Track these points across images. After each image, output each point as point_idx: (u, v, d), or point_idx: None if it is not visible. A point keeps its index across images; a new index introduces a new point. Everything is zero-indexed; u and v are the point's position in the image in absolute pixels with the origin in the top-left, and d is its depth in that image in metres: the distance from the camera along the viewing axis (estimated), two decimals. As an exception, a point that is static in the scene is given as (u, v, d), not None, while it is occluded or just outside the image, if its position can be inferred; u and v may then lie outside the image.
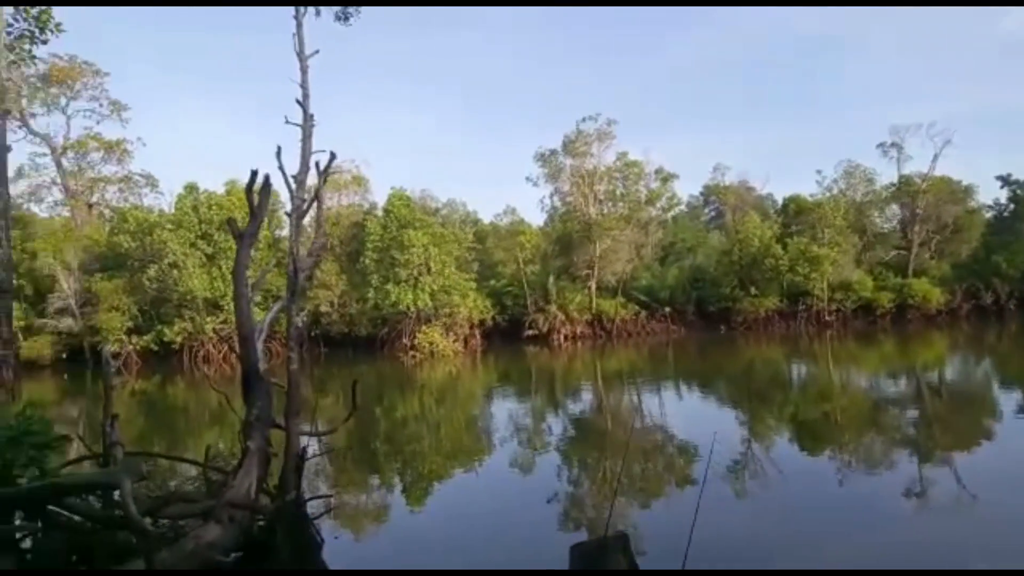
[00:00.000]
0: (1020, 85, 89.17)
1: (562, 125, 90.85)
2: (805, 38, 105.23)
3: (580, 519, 10.40)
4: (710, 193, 65.21)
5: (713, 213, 70.05)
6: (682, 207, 59.36)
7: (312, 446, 15.45)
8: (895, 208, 54.06)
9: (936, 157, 50.06)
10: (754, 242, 46.95)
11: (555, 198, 50.33)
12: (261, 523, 7.23)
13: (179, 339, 40.88)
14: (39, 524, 5.99)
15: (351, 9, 11.72)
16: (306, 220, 12.83)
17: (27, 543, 6.16)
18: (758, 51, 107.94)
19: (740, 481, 12.02)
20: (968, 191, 52.57)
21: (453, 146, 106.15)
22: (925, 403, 19.73)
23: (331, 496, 10.99)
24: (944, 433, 15.51)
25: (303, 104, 9.91)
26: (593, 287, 45.83)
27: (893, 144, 51.90)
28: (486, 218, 57.43)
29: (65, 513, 6.20)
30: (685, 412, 20.25)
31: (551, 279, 45.47)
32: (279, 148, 9.42)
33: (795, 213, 50.45)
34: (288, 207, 10.10)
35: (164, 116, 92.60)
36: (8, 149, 10.69)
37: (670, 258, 56.97)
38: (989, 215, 55.84)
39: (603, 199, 48.81)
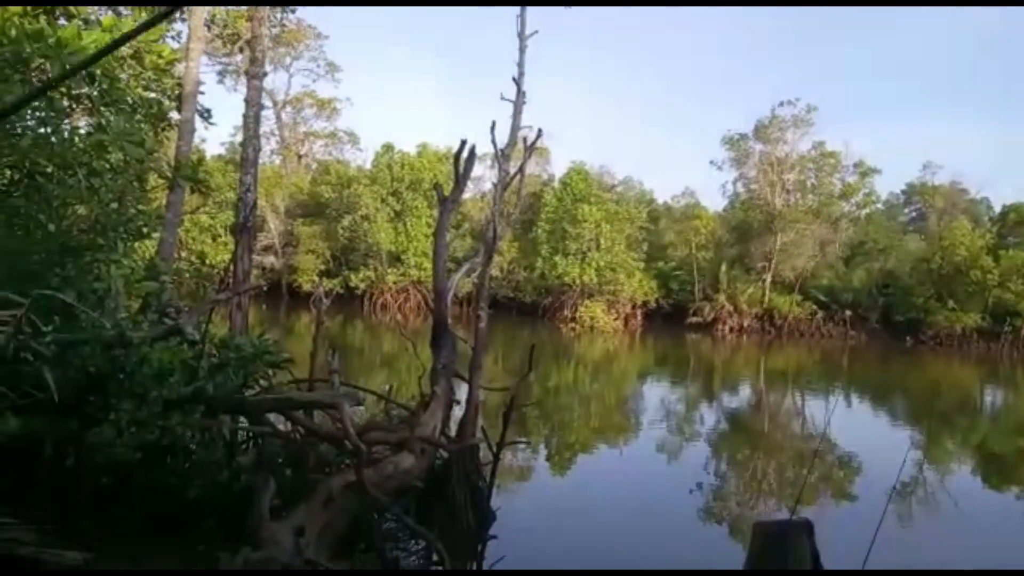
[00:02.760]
0: None
1: (753, 108, 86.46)
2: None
3: (720, 513, 10.28)
4: (913, 192, 59.36)
5: (914, 214, 63.73)
6: (878, 205, 54.58)
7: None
8: None
9: None
10: (960, 250, 42.25)
11: (738, 184, 48.29)
12: (439, 462, 7.95)
13: (362, 285, 44.38)
14: (267, 429, 7.05)
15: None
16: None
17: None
18: (991, 36, 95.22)
19: (906, 505, 11.23)
20: None
21: (634, 123, 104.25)
22: None
23: (527, 442, 11.93)
24: None
25: (518, 82, 10.42)
26: (768, 280, 43.69)
27: None
28: (661, 198, 56.40)
29: (270, 425, 7.21)
30: (856, 425, 19.01)
31: (723, 267, 43.88)
32: (493, 123, 10.05)
33: (1015, 223, 44.86)
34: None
35: (369, 78, 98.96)
36: (262, 107, 12.31)
37: (857, 258, 52.75)
38: None
39: (791, 189, 46.11)
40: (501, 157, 10.17)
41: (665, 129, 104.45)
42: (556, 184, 45.15)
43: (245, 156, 13.45)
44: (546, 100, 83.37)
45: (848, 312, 43.43)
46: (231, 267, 13.61)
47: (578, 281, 40.11)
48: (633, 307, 42.65)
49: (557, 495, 10.63)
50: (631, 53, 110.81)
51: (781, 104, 44.56)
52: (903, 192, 62.06)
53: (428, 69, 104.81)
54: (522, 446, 13.84)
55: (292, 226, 46.13)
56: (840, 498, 11.36)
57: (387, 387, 10.88)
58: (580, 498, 10.36)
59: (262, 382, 7.44)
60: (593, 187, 43.17)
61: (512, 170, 11.33)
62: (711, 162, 47.90)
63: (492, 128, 9.92)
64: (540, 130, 10.64)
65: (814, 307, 43.55)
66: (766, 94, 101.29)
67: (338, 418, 6.41)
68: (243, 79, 15.95)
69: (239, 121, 14.59)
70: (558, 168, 49.30)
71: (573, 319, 40.06)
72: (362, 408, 12.60)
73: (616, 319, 40.66)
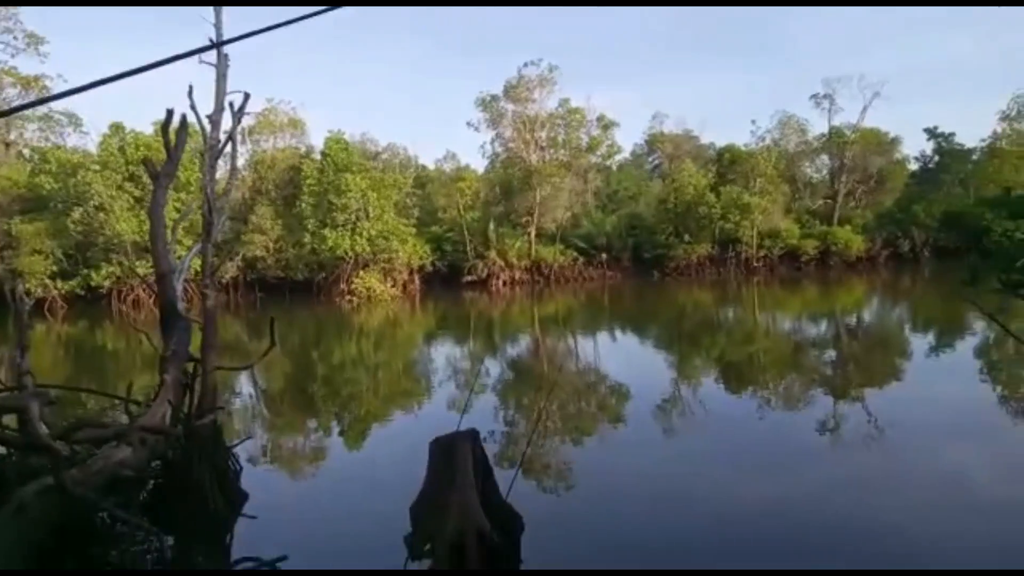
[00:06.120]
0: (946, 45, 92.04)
1: (505, 71, 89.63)
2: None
3: (513, 456, 10.82)
4: (653, 142, 65.82)
5: (656, 162, 70.84)
6: (625, 155, 59.92)
7: (247, 389, 15.51)
8: (825, 159, 55.83)
9: (865, 109, 51.76)
10: (689, 190, 47.88)
11: (496, 144, 50.08)
12: (177, 449, 7.51)
13: (107, 283, 39.64)
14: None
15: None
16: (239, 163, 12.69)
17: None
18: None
19: (667, 419, 12.67)
20: (894, 143, 54.58)
21: (395, 89, 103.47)
22: (842, 345, 20.93)
23: (221, 408, 11.19)
24: (859, 373, 16.55)
25: (217, 44, 9.66)
26: (533, 233, 46.16)
27: (826, 96, 53.24)
28: (427, 163, 56.83)
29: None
30: (617, 354, 20.97)
31: (491, 225, 45.56)
32: (191, 87, 9.30)
33: (730, 162, 51.56)
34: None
35: (86, 52, 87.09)
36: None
37: (612, 206, 57.68)
38: (915, 166, 58.17)
39: (544, 146, 48.76)
40: (208, 123, 9.53)
41: (426, 95, 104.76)
42: (316, 155, 43.47)
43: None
44: (302, 70, 79.67)
45: (604, 255, 47.44)
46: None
47: (351, 252, 39.28)
48: (410, 273, 42.83)
49: (348, 471, 10.48)
50: (387, 19, 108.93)
51: (526, 65, 46.71)
52: (646, 142, 68.41)
53: (147, 35, 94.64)
54: (312, 426, 13.49)
55: (10, 225, 39.63)
56: (613, 423, 12.53)
57: (129, 384, 9.93)
58: (370, 470, 10.32)
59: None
60: (355, 156, 42.19)
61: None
62: (468, 124, 49.17)
63: (190, 93, 9.21)
64: (247, 94, 9.99)
65: (575, 254, 46.94)
66: (517, 61, 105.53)
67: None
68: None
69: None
70: (317, 139, 47.55)
71: (350, 292, 39.29)
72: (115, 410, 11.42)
73: (394, 287, 40.59)
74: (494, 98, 47.74)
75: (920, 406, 12.50)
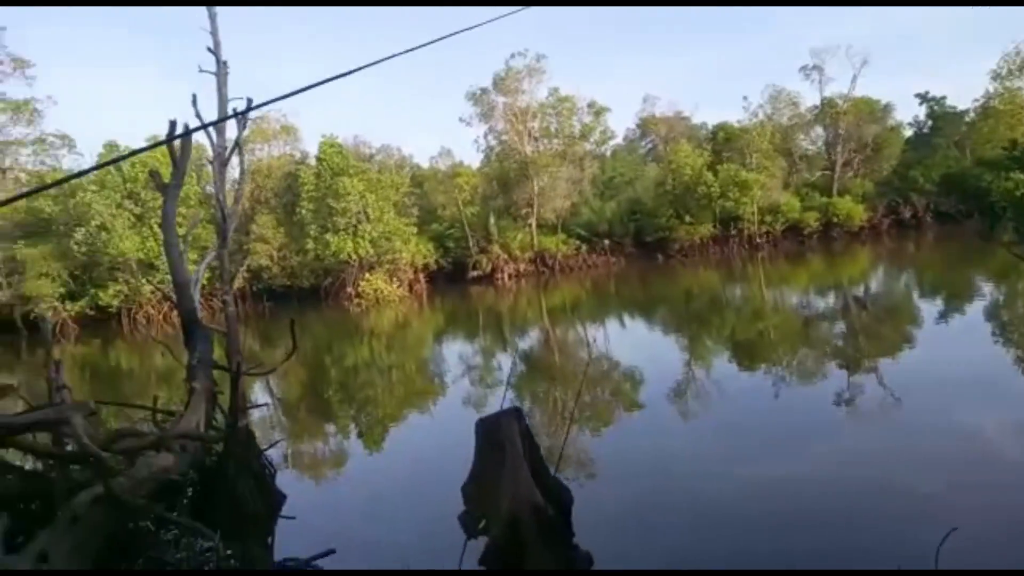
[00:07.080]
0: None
1: (494, 63, 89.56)
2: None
3: (548, 444, 10.98)
4: (645, 125, 65.60)
5: (650, 145, 70.58)
6: (618, 140, 59.73)
7: (265, 400, 15.68)
8: (819, 130, 55.59)
9: (855, 78, 51.49)
10: (686, 171, 47.81)
11: (490, 137, 50.05)
12: (213, 455, 7.68)
13: (115, 302, 39.83)
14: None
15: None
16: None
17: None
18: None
19: (683, 401, 12.80)
20: (887, 109, 54.34)
21: (385, 90, 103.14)
22: (852, 316, 21.02)
23: (263, 404, 11.38)
24: (870, 342, 16.65)
25: (215, 52, 9.85)
26: (534, 224, 46.20)
27: (814, 67, 52.93)
28: (421, 162, 56.81)
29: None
30: (629, 341, 21.09)
31: (492, 219, 45.61)
32: (194, 96, 9.45)
33: (724, 140, 51.40)
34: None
35: (73, 73, 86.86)
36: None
37: (609, 192, 57.64)
38: (909, 132, 57.94)
39: (538, 136, 48.70)
40: (213, 131, 9.75)
41: (417, 93, 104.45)
42: (311, 161, 43.55)
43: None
44: (290, 77, 79.58)
45: (607, 241, 47.48)
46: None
47: (354, 256, 39.42)
48: (415, 272, 42.95)
49: (369, 472, 10.66)
50: (371, 22, 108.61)
51: (513, 56, 46.58)
52: (638, 126, 68.14)
53: (145, 56, 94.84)
54: (332, 430, 13.65)
55: (14, 250, 39.79)
56: (633, 410, 12.69)
57: (154, 398, 10.14)
58: (392, 471, 10.50)
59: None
60: (350, 159, 42.25)
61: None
62: (460, 119, 49.11)
63: (194, 101, 9.35)
64: (250, 100, 10.05)
65: (578, 242, 46.98)
66: (510, 47, 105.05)
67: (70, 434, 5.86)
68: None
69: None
70: (311, 145, 47.59)
71: (357, 295, 39.45)
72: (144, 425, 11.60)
73: (400, 287, 40.73)
74: (484, 91, 47.70)
75: (938, 373, 12.59)
